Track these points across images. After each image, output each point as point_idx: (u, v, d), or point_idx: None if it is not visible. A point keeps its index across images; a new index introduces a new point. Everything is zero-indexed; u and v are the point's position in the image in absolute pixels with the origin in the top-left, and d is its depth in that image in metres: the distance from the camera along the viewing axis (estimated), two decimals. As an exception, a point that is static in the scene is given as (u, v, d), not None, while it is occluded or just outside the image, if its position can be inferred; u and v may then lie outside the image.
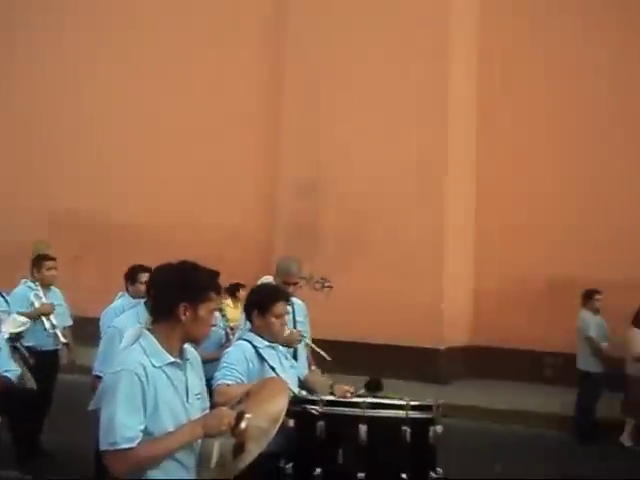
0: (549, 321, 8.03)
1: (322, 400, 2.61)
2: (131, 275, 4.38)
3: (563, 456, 6.08)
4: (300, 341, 3.62)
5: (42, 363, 4.68)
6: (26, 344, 4.63)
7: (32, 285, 5.15)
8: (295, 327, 3.95)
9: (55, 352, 5.29)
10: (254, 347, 2.76)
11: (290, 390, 2.62)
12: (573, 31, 8.74)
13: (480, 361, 8.67)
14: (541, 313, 8.29)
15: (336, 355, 7.59)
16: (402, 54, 8.77)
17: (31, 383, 3.99)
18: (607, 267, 7.87)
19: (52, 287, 5.37)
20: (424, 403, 2.73)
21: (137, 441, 1.67)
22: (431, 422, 2.70)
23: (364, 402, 2.61)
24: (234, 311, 5.47)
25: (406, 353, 8.15)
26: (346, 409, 2.65)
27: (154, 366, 1.76)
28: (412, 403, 2.62)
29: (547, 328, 8.04)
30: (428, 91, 8.67)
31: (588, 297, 6.75)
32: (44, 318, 5.02)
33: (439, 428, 2.75)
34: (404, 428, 2.55)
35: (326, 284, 8.85)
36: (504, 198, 8.89)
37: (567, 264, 8.22)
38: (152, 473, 1.73)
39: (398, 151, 8.69)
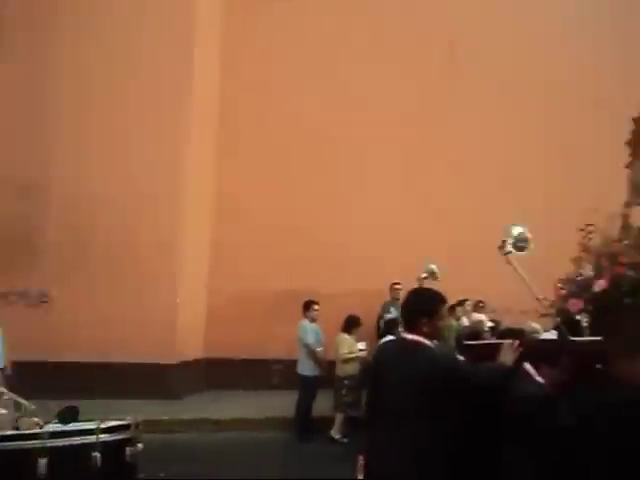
0: (276, 331, 8.62)
1: (-6, 435, 2.28)
2: None
3: (287, 454, 6.54)
4: None
5: None
6: None
7: None
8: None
9: None
10: None
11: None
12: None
13: (214, 373, 8.83)
14: (269, 324, 8.86)
15: (56, 377, 6.96)
16: (135, 65, 8.56)
17: None
18: (325, 280, 8.85)
19: None
20: (118, 424, 2.61)
21: None
22: (128, 442, 2.60)
23: (45, 432, 2.37)
24: None
25: (138, 370, 7.82)
26: (24, 442, 2.36)
27: None
28: (102, 426, 2.47)
29: (274, 338, 8.63)
30: (166, 100, 8.55)
31: (307, 307, 7.46)
32: None
33: (139, 447, 2.66)
34: (94, 454, 2.39)
35: (43, 299, 7.98)
36: (239, 215, 9.29)
37: (292, 278, 8.98)
38: None
39: (129, 164, 8.38)
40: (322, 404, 7.34)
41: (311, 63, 9.90)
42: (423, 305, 2.89)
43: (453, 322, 7.98)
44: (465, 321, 8.14)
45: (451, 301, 8.09)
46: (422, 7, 10.55)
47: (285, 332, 7.95)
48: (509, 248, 2.83)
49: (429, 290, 3.09)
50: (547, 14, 11.18)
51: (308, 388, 7.27)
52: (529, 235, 2.89)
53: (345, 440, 6.93)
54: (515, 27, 10.93)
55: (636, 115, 5.28)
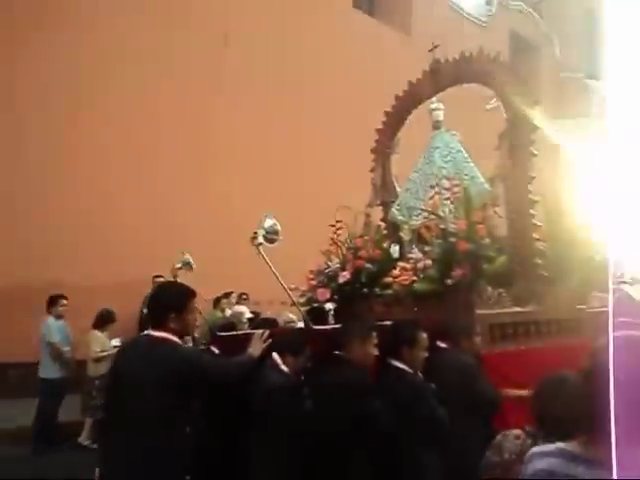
0: (13, 331, 7.48)
1: None
2: None
3: (23, 470, 5.70)
4: None
5: None
6: None
7: None
8: None
9: None
10: None
11: None
12: None
13: None
14: (3, 323, 7.66)
15: None
16: None
17: None
18: (71, 271, 8.02)
19: None
20: None
21: None
22: None
23: None
24: None
25: None
26: None
27: None
28: None
29: (11, 338, 7.47)
30: None
31: (52, 303, 6.65)
32: None
33: None
34: None
35: None
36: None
37: (33, 270, 7.91)
38: None
39: None
40: (69, 409, 6.64)
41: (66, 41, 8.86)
42: (170, 300, 2.77)
43: (218, 314, 8.00)
44: (229, 313, 8.21)
45: (214, 294, 8.16)
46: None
47: (25, 332, 6.95)
48: (260, 239, 2.87)
49: (177, 284, 3.02)
50: (321, 11, 12.01)
51: (52, 392, 6.49)
52: (279, 228, 2.98)
53: (95, 446, 6.38)
54: (287, 21, 11.47)
55: (380, 127, 5.97)
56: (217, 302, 8.27)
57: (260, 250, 2.91)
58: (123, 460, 2.60)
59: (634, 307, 4.80)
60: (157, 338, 2.71)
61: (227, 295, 8.46)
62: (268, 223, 2.93)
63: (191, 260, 4.07)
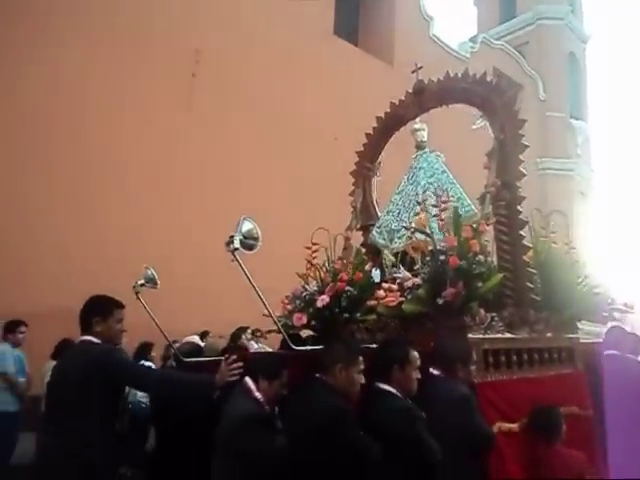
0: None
1: None
2: None
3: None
4: None
5: None
6: None
7: None
8: None
9: None
10: None
11: None
12: None
13: None
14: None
15: None
16: None
17: None
18: (30, 299, 7.54)
19: None
20: None
21: None
22: None
23: None
24: None
25: None
26: None
27: None
28: None
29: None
30: None
31: (10, 330, 6.13)
32: None
33: None
34: None
35: None
36: None
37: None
38: None
39: None
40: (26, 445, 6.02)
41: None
42: (96, 306, 3.06)
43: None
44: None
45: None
46: (166, 15, 10.25)
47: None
48: (237, 244, 2.56)
49: (105, 296, 3.17)
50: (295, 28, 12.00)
51: (6, 427, 5.87)
52: (259, 233, 2.67)
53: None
54: (262, 41, 11.43)
55: (359, 149, 5.75)
56: (235, 337, 7.71)
57: (236, 257, 2.59)
58: (52, 452, 2.79)
59: (626, 341, 4.59)
60: (83, 341, 3.00)
61: (243, 329, 7.89)
62: (247, 227, 2.61)
63: (155, 276, 3.72)
